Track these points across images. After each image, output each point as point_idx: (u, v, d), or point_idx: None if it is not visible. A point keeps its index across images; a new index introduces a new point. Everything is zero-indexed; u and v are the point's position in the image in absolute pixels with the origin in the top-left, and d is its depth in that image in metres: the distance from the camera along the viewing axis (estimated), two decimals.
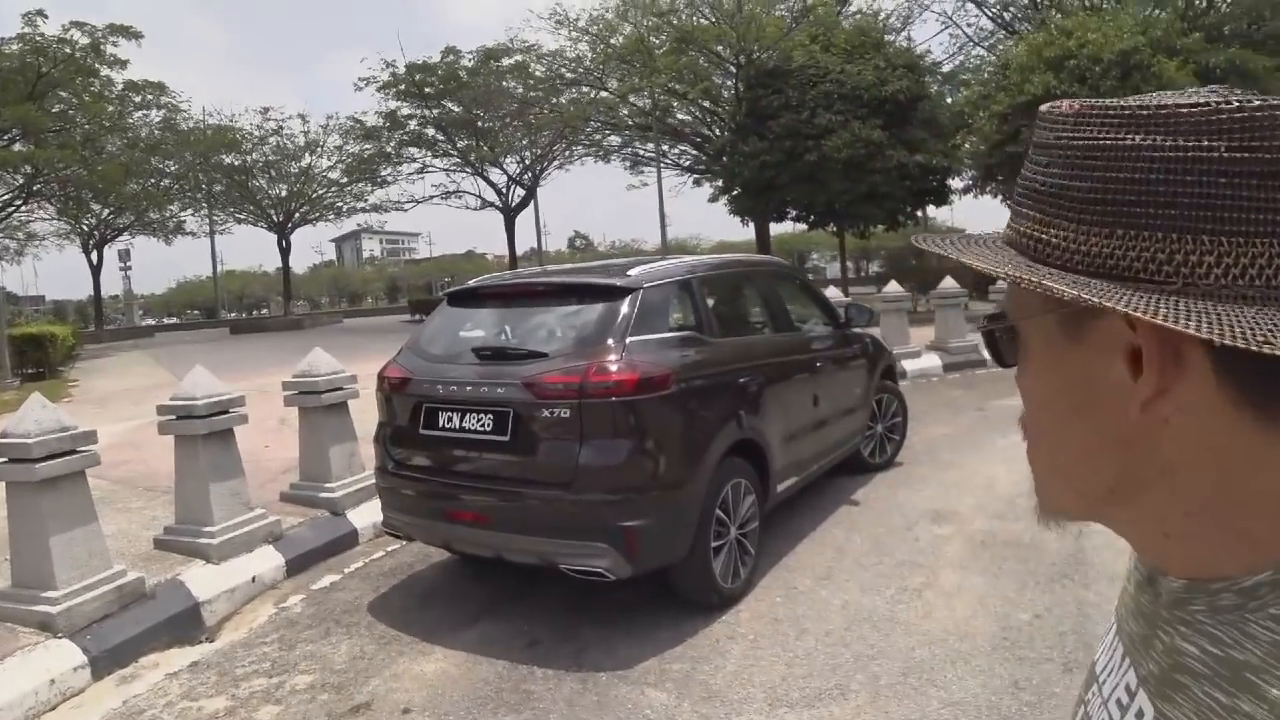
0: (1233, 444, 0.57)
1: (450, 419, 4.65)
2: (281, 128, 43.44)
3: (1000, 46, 29.84)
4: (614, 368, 4.32)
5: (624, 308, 4.59)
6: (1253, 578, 0.57)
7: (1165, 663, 0.62)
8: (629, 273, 4.84)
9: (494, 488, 4.52)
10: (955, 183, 27.01)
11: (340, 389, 6.77)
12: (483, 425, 4.52)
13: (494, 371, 4.60)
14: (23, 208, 35.91)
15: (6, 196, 34.00)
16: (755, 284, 6.23)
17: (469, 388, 4.60)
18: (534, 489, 4.40)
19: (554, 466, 4.36)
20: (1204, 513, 0.60)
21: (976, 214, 63.16)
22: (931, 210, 34.56)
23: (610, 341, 4.45)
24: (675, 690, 3.98)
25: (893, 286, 14.41)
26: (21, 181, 33.43)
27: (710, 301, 5.29)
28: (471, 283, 5.60)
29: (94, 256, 44.25)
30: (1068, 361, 0.63)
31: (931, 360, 13.39)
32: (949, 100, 28.66)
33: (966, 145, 24.12)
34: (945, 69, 33.08)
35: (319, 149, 44.27)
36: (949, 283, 14.47)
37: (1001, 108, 19.74)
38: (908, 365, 12.60)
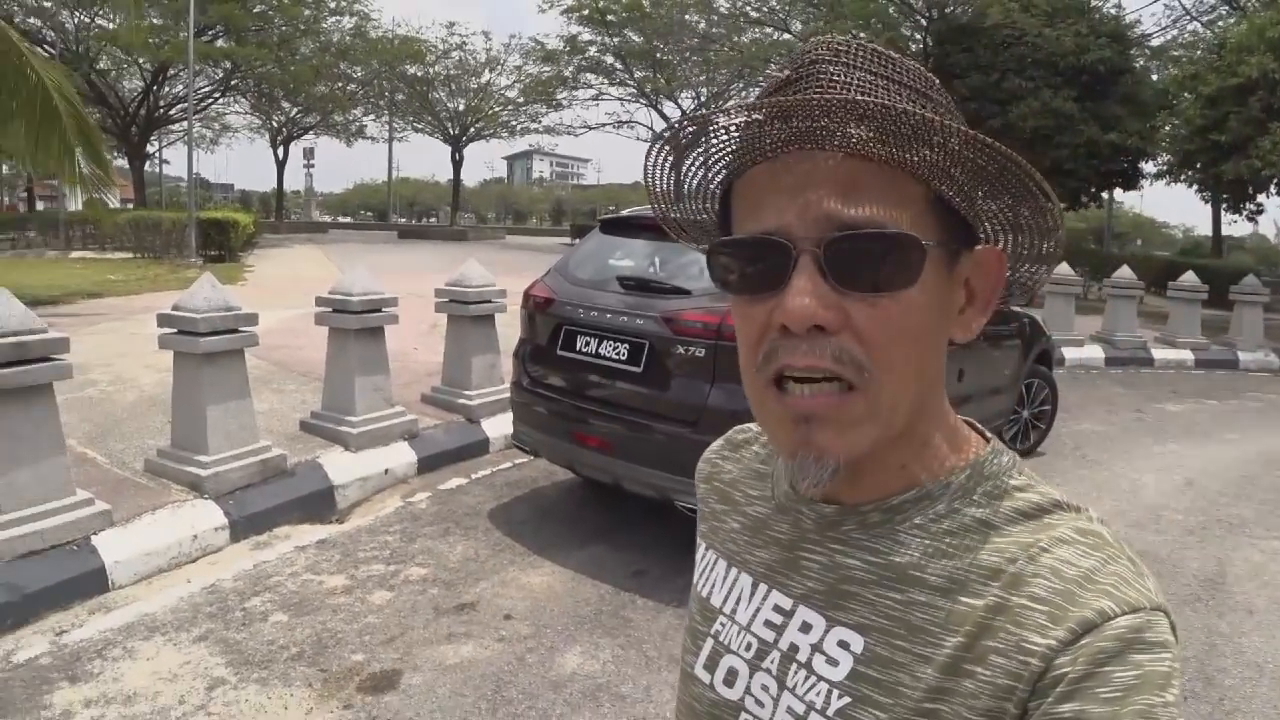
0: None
1: (587, 343, 4.70)
2: (465, 43, 44.98)
3: (1221, 23, 27.21)
4: None
5: None
6: (899, 497, 0.71)
7: (830, 578, 0.74)
8: None
9: (621, 416, 4.55)
10: (1148, 166, 24.56)
11: (489, 301, 6.93)
12: (618, 354, 4.56)
13: (635, 302, 4.60)
14: (220, 100, 38.42)
15: (208, 88, 36.27)
16: None
17: (609, 315, 4.63)
18: (660, 423, 4.41)
19: (682, 404, 4.35)
20: (924, 444, 0.72)
21: (1165, 201, 58.17)
22: (1118, 194, 32.13)
23: None
24: None
25: (1064, 268, 13.21)
26: (221, 75, 35.71)
27: None
28: (625, 212, 5.59)
29: (280, 152, 46.56)
30: (943, 287, 0.69)
31: (1094, 351, 12.72)
32: (1154, 77, 26.39)
33: (1167, 128, 21.94)
34: (1155, 43, 30.48)
35: (499, 67, 45.31)
36: (1125, 272, 13.59)
37: (1210, 90, 17.89)
38: (1068, 353, 12.04)
